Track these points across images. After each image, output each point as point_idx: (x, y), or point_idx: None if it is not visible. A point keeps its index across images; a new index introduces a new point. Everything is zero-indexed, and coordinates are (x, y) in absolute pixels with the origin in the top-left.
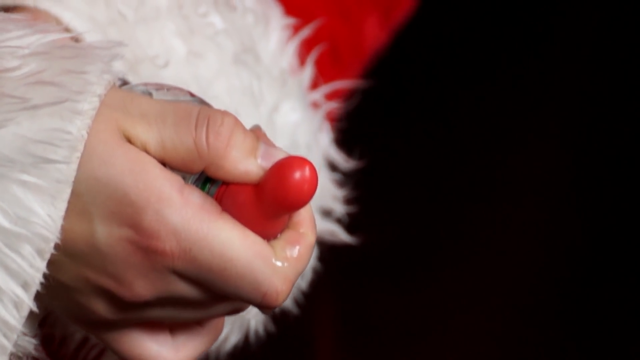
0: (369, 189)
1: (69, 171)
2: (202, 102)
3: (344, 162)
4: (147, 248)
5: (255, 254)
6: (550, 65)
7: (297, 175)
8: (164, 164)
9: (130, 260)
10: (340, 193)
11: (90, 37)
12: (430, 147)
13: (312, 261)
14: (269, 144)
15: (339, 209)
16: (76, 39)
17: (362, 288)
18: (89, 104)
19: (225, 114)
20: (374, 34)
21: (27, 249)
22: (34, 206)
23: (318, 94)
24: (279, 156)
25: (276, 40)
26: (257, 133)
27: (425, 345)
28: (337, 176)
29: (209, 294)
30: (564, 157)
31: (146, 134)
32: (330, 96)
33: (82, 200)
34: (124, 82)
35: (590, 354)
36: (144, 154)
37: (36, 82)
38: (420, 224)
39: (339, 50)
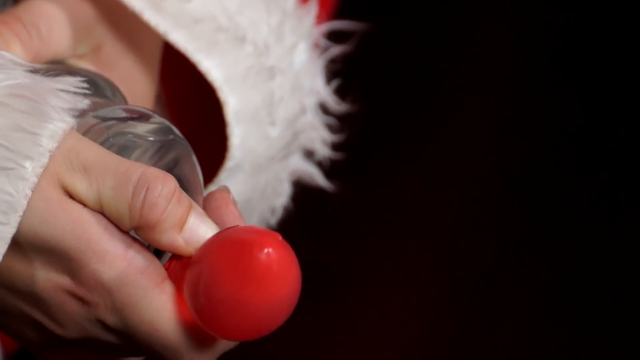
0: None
1: (8, 230)
2: (167, 140)
3: (337, 105)
4: (81, 298)
5: (182, 335)
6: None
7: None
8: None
9: (64, 306)
10: (329, 137)
11: None
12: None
13: (284, 199)
14: (225, 211)
15: (324, 152)
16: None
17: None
18: (36, 170)
19: (165, 181)
20: None
21: None
22: None
23: (318, 34)
24: (201, 234)
25: None
26: (219, 196)
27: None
28: (329, 120)
29: (132, 345)
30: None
31: (85, 192)
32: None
33: (22, 249)
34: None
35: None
36: (85, 213)
37: None
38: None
39: None
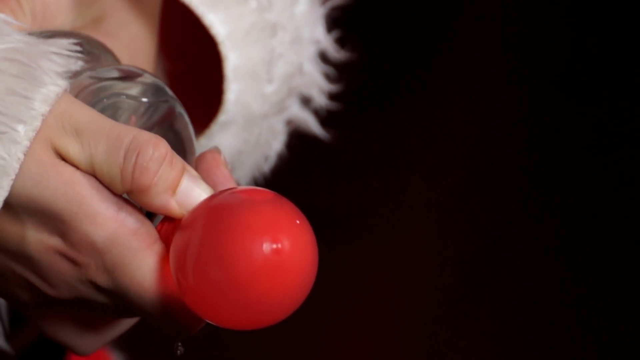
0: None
1: (0, 193)
2: (159, 101)
3: (336, 53)
4: (73, 260)
5: (173, 298)
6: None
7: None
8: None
9: (55, 266)
10: (327, 87)
11: None
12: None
13: (279, 146)
14: (216, 172)
15: (321, 101)
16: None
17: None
18: (28, 133)
19: (157, 144)
20: None
21: None
22: None
23: None
24: (195, 197)
25: None
26: (210, 157)
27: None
28: (327, 69)
29: (123, 304)
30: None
31: (78, 154)
32: None
33: (14, 211)
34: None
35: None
36: (78, 175)
37: None
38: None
39: None
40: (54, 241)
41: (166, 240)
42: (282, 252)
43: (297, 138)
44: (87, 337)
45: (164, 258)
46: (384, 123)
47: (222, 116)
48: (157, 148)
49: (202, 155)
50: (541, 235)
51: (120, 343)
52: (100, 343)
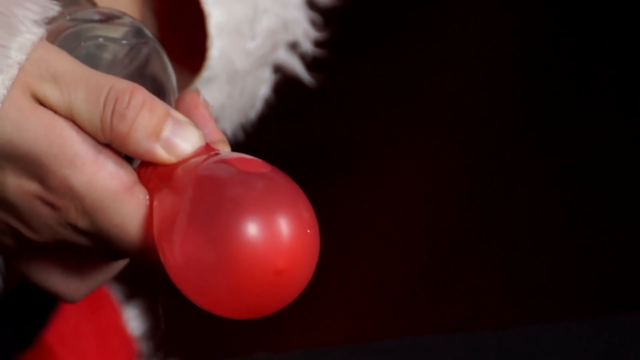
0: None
1: None
2: (140, 42)
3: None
4: (52, 204)
5: (151, 242)
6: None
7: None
8: None
9: (35, 210)
10: (313, 34)
11: None
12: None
13: (265, 91)
14: (195, 113)
15: (307, 47)
16: None
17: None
18: (5, 82)
19: (134, 92)
20: None
21: None
22: None
23: None
24: (180, 142)
25: None
26: (188, 99)
27: None
28: (314, 15)
29: (103, 247)
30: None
31: (57, 100)
32: None
33: None
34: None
35: None
36: (58, 119)
37: None
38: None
39: None
40: (33, 186)
41: (146, 184)
42: (277, 234)
43: (283, 82)
44: (73, 283)
45: (143, 202)
46: (372, 64)
47: (206, 72)
48: (134, 96)
49: (181, 96)
50: (540, 171)
51: (119, 277)
52: (87, 289)
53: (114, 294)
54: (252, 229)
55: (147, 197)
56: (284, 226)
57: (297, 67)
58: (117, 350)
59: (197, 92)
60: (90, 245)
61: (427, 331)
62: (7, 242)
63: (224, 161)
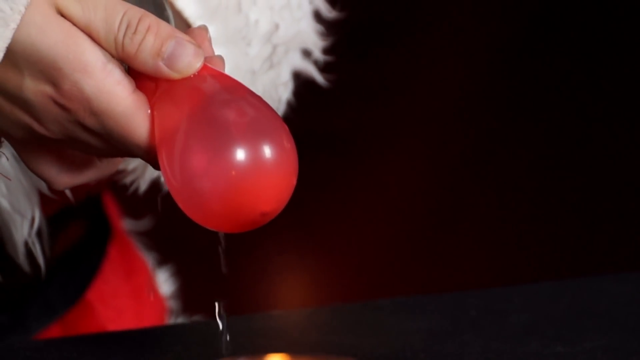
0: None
1: (3, 41)
2: None
3: (328, 12)
4: (63, 105)
5: (153, 141)
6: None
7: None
8: None
9: (48, 109)
10: (321, 43)
11: None
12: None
13: (287, 94)
14: (199, 41)
15: (318, 54)
16: None
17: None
18: None
19: (142, 18)
20: None
21: None
22: None
23: None
24: (183, 59)
25: None
26: (197, 33)
27: None
28: (320, 28)
29: (109, 144)
30: None
31: (78, 15)
32: None
33: (16, 57)
34: None
35: None
36: (76, 29)
37: None
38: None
39: None
40: (48, 89)
41: (151, 97)
42: (265, 179)
43: (295, 80)
44: (63, 174)
45: (145, 106)
46: (374, 60)
47: None
48: (142, 21)
49: (190, 31)
50: (529, 143)
51: (151, 245)
52: (73, 182)
53: (148, 259)
54: (242, 161)
55: (148, 104)
56: (270, 164)
57: (312, 71)
58: (150, 308)
59: (205, 28)
60: (95, 142)
61: (416, 292)
62: (19, 134)
63: (219, 87)
